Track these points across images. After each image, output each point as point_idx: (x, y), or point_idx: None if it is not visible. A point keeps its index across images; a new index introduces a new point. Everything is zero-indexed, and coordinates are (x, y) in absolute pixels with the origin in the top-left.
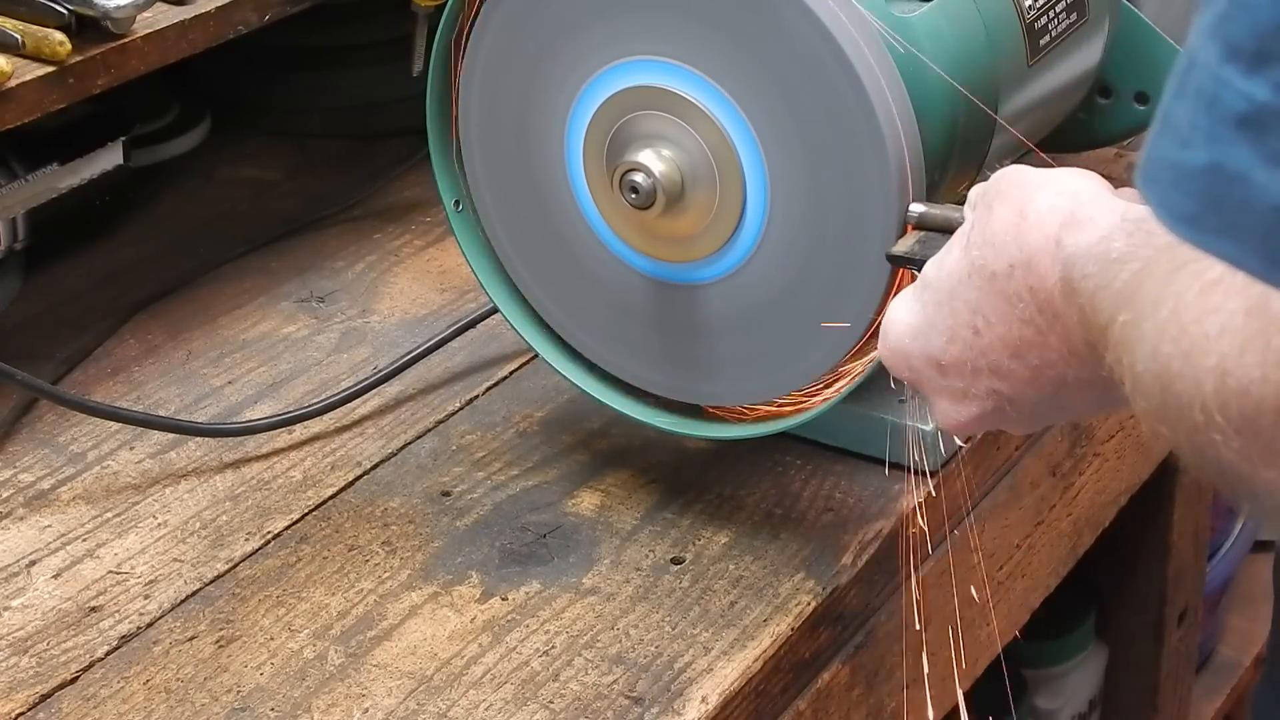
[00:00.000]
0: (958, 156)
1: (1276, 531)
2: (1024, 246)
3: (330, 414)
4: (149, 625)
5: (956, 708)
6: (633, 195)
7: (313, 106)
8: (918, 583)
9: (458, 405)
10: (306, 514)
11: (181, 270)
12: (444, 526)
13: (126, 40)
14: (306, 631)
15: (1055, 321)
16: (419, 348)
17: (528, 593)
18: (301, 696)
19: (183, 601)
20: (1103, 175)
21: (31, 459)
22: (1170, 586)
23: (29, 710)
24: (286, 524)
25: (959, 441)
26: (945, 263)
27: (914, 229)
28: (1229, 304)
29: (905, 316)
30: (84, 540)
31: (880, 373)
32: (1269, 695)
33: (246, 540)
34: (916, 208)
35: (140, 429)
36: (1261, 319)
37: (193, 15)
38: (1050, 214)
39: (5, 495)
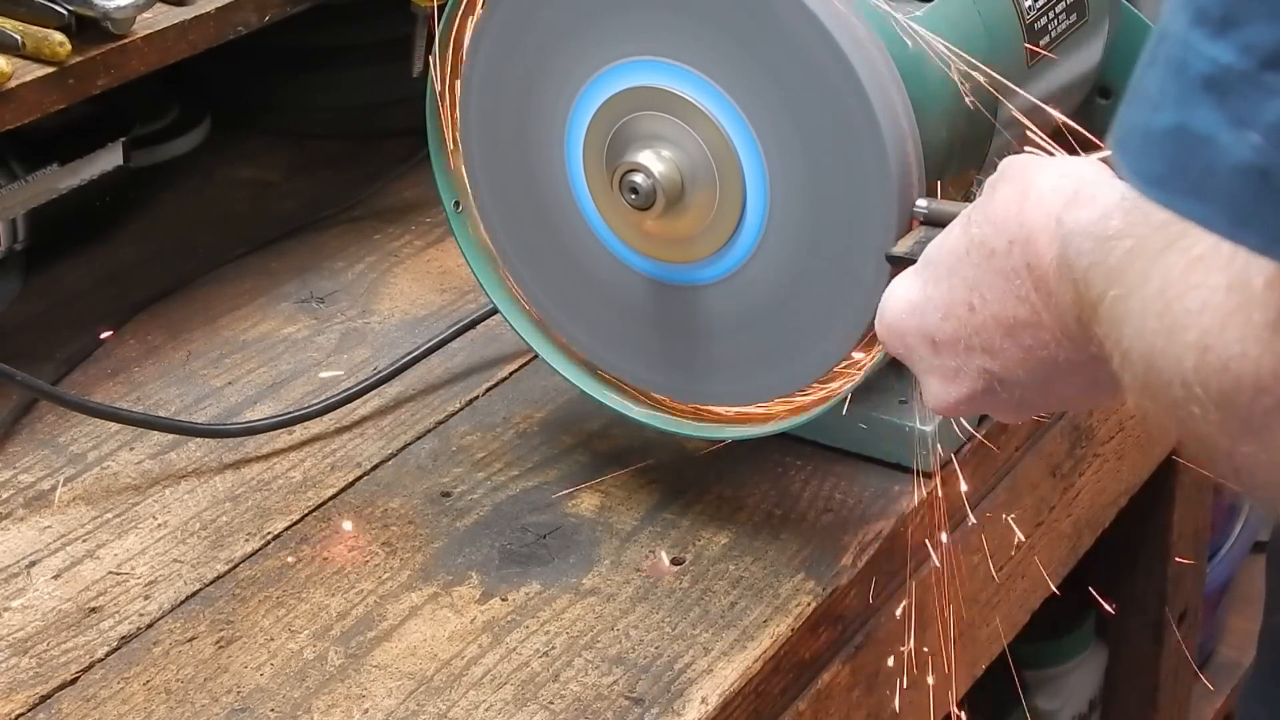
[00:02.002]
0: (958, 156)
1: (1263, 510)
2: (1025, 224)
3: (330, 415)
4: (149, 626)
5: (956, 708)
6: (632, 196)
7: (312, 107)
8: (918, 584)
9: (458, 406)
10: (306, 515)
11: (181, 271)
12: (444, 527)
13: (126, 41)
14: (306, 632)
15: (1049, 300)
16: (419, 348)
17: (528, 593)
18: (301, 697)
19: (183, 602)
20: None
21: (31, 459)
22: (1170, 587)
23: (29, 711)
24: (286, 525)
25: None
26: (946, 241)
27: (921, 224)
28: (1211, 279)
29: (903, 293)
30: (84, 541)
31: (880, 374)
32: (1261, 682)
33: (246, 541)
34: (924, 203)
35: (140, 430)
36: (1242, 294)
37: (193, 16)
38: (1053, 194)
39: (5, 496)
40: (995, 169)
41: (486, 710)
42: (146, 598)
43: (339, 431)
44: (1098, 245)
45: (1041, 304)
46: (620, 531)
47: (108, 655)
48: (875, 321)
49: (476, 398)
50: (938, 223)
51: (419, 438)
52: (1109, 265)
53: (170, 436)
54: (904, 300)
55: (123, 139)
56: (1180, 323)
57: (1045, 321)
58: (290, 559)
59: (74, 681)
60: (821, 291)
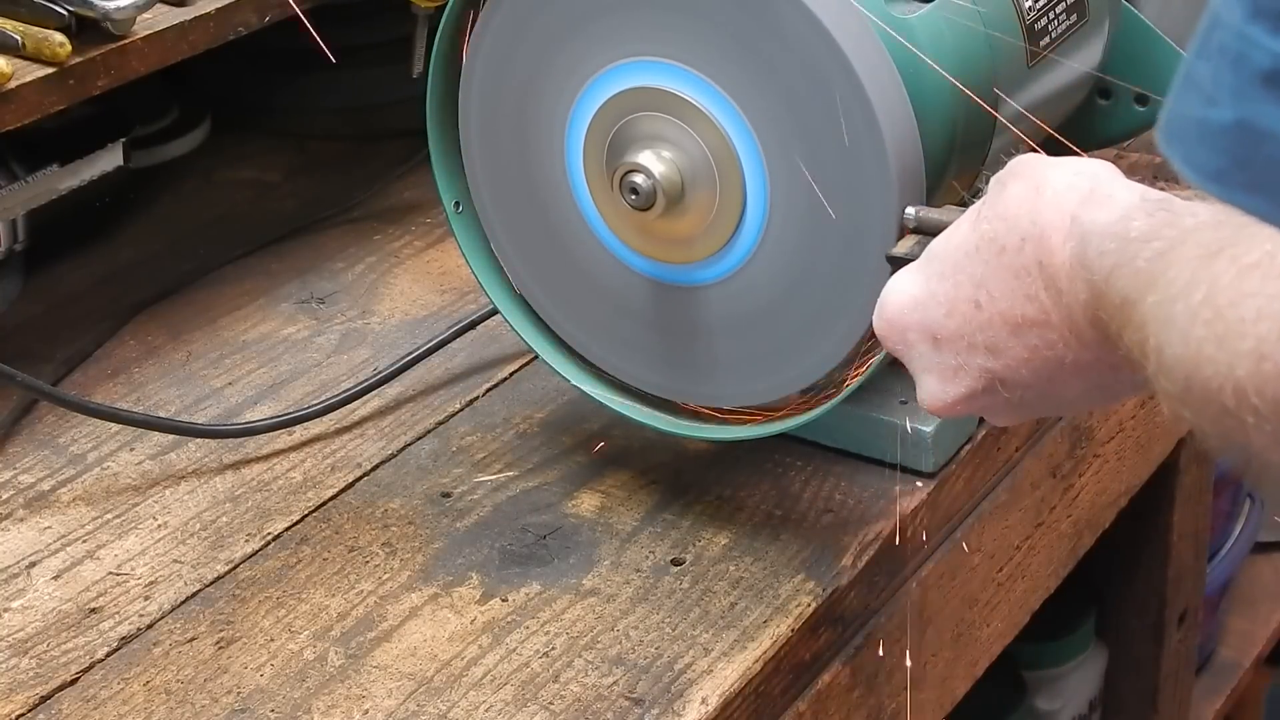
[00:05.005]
0: (958, 157)
1: None
2: (1038, 221)
3: (330, 415)
4: (149, 626)
5: (956, 709)
6: (633, 196)
7: (313, 108)
8: (918, 584)
9: (458, 406)
10: (306, 515)
11: (181, 271)
12: (444, 528)
13: (126, 41)
14: (307, 633)
15: (1059, 299)
16: (419, 349)
17: (528, 594)
18: (302, 698)
19: (183, 603)
20: None
21: (32, 460)
22: (1170, 588)
23: (29, 711)
24: (286, 525)
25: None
26: (953, 237)
27: (911, 232)
28: (1267, 288)
29: (905, 287)
30: (84, 541)
31: (881, 374)
32: None
33: (246, 541)
34: (913, 210)
35: (140, 430)
36: None
37: (193, 16)
38: (1068, 192)
39: (5, 496)
40: (997, 169)
41: (487, 711)
42: (146, 598)
43: (339, 432)
44: (1122, 246)
45: (1051, 303)
46: (620, 532)
47: (108, 656)
48: (874, 316)
49: (477, 398)
50: (927, 231)
51: (419, 438)
52: (1137, 268)
53: (170, 437)
54: (906, 295)
55: (123, 139)
56: (1234, 331)
57: (1053, 321)
58: (290, 559)
59: (74, 682)
60: (822, 292)
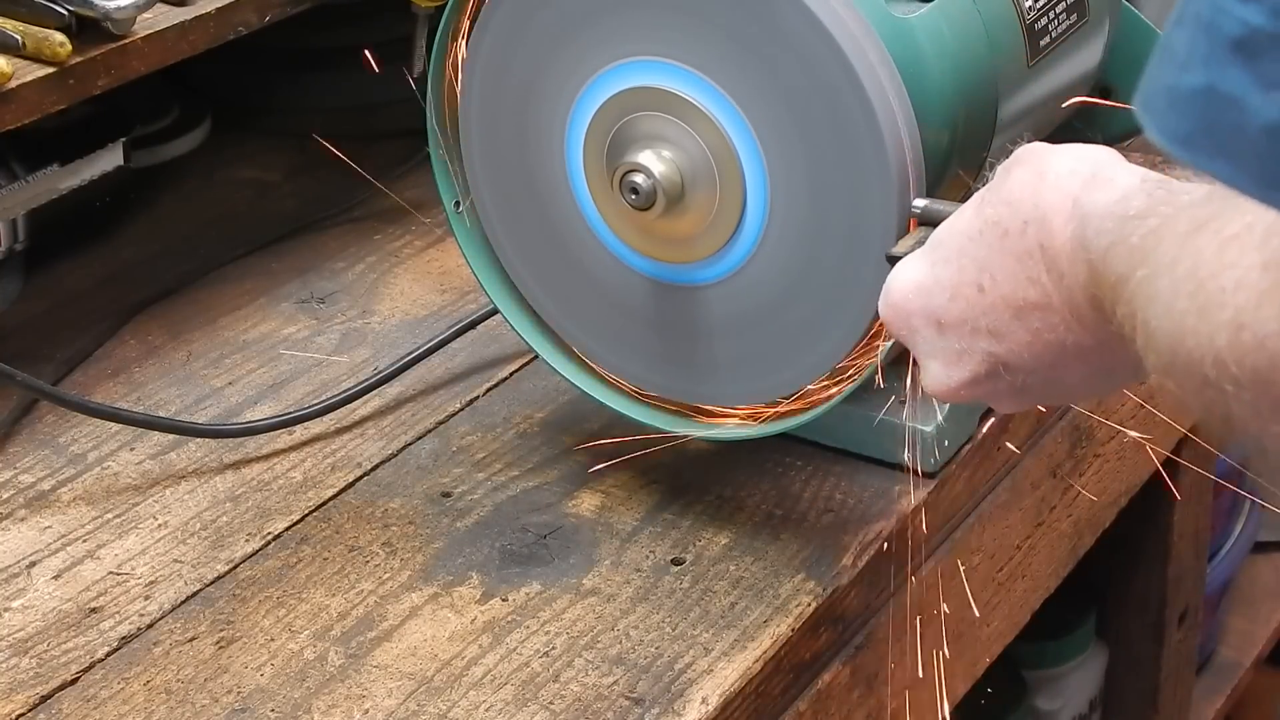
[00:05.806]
0: (958, 157)
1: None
2: (1040, 204)
3: (330, 415)
4: (149, 626)
5: (957, 708)
6: (633, 196)
7: (313, 107)
8: (918, 583)
9: (458, 406)
10: (307, 515)
11: (182, 271)
12: (444, 527)
13: (127, 41)
14: (307, 632)
15: (1060, 282)
16: (419, 349)
17: (528, 594)
18: (302, 697)
19: (183, 602)
20: None
21: (32, 460)
22: (1170, 587)
23: (29, 711)
24: (287, 525)
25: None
26: (957, 222)
27: (917, 224)
28: (1245, 259)
29: (910, 273)
30: (84, 541)
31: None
32: None
33: (247, 541)
34: (921, 201)
35: (141, 430)
36: (1278, 272)
37: (193, 16)
38: (1070, 176)
39: (6, 496)
40: (1004, 160)
41: (487, 710)
42: (147, 598)
43: (339, 431)
44: (1119, 225)
45: (1052, 285)
46: (620, 532)
47: (108, 655)
48: (880, 301)
49: (477, 398)
50: (934, 222)
51: (419, 438)
52: (1131, 245)
53: (170, 437)
54: (910, 281)
55: (123, 139)
56: (1214, 301)
57: (1055, 304)
58: (291, 559)
59: (74, 682)
60: (822, 292)
